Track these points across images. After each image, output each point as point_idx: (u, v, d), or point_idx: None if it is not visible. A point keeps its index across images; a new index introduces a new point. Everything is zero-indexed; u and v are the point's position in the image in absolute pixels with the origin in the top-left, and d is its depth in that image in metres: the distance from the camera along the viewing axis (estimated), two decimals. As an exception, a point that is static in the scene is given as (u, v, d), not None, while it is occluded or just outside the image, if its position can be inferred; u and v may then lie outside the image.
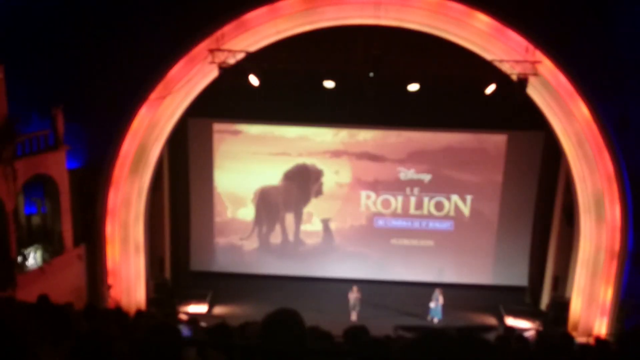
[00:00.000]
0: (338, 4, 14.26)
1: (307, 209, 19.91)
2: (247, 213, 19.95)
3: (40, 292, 8.44)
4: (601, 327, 15.51)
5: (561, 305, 17.30)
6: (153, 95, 14.93)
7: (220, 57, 13.87)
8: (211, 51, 13.95)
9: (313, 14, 14.56)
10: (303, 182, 19.59)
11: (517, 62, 13.81)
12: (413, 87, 14.56)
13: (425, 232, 19.80)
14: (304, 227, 20.06)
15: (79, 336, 4.25)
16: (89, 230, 15.57)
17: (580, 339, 13.27)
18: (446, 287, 18.19)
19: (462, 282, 19.68)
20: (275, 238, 20.20)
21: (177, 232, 19.60)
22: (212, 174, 19.57)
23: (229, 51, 13.96)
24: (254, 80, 14.31)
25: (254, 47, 14.91)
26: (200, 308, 17.96)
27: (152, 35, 14.26)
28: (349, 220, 19.87)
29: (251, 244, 20.22)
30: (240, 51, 14.14)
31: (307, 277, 19.93)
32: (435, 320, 17.56)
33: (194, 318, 12.18)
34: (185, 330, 8.10)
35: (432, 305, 17.60)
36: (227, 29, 14.17)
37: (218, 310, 18.29)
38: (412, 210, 19.62)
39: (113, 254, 15.96)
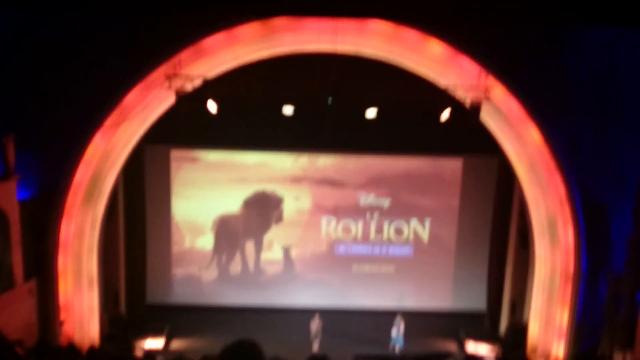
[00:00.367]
0: (296, 29, 14.35)
1: (267, 237, 19.67)
2: (206, 242, 19.56)
3: (-13, 328, 7.96)
4: (559, 350, 15.58)
5: (519, 329, 17.45)
6: (108, 122, 14.59)
7: (178, 83, 13.73)
8: (168, 77, 13.79)
9: (271, 40, 14.60)
10: (263, 209, 19.41)
11: (470, 87, 14.14)
12: (371, 112, 14.72)
13: (386, 257, 19.83)
14: (265, 255, 19.78)
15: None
16: (41, 264, 14.90)
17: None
18: (407, 314, 18.14)
19: (423, 307, 19.75)
20: (235, 267, 19.84)
21: (133, 264, 18.95)
22: (169, 202, 19.18)
23: (187, 77, 13.84)
24: (212, 106, 14.21)
25: (212, 73, 14.81)
26: (157, 343, 17.32)
27: (107, 61, 13.96)
28: (310, 247, 19.74)
29: (210, 274, 19.79)
30: (198, 77, 14.03)
31: (268, 306, 19.62)
32: (397, 347, 17.45)
33: (150, 353, 11.80)
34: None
35: (393, 331, 17.50)
36: (184, 54, 14.03)
37: (176, 344, 17.72)
38: (372, 236, 19.66)
39: (65, 287, 15.29)
